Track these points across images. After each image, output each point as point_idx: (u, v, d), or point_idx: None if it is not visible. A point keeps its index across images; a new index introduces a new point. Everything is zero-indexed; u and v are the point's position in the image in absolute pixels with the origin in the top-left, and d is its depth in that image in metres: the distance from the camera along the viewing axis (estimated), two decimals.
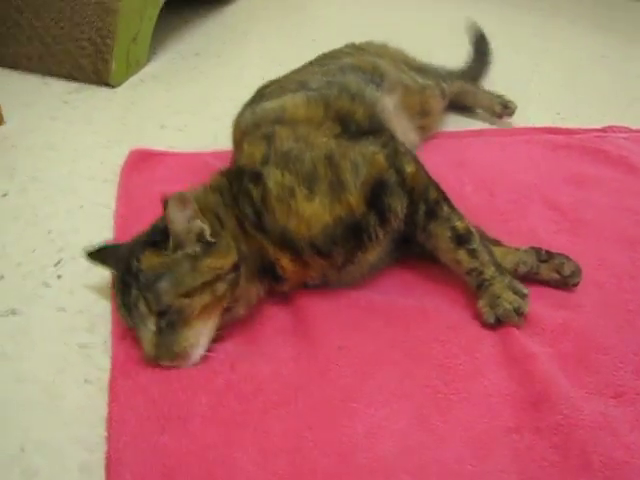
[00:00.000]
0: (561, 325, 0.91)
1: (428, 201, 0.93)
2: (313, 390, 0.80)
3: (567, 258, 0.97)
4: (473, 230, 0.94)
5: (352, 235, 0.89)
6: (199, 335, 0.81)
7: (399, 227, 0.93)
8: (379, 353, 0.86)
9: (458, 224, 0.93)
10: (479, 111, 1.46)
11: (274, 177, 0.88)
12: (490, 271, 0.90)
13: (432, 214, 0.93)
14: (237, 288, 0.84)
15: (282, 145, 0.92)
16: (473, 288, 0.92)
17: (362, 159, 0.91)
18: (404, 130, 1.15)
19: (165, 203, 0.79)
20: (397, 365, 0.84)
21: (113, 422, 0.76)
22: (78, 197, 1.17)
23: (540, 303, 0.94)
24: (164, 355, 0.80)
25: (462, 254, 0.92)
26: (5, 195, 1.18)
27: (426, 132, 1.30)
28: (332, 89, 1.04)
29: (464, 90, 1.40)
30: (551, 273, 0.96)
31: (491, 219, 1.11)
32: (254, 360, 0.84)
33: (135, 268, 0.80)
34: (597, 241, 1.08)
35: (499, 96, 1.41)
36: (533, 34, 1.94)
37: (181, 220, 0.80)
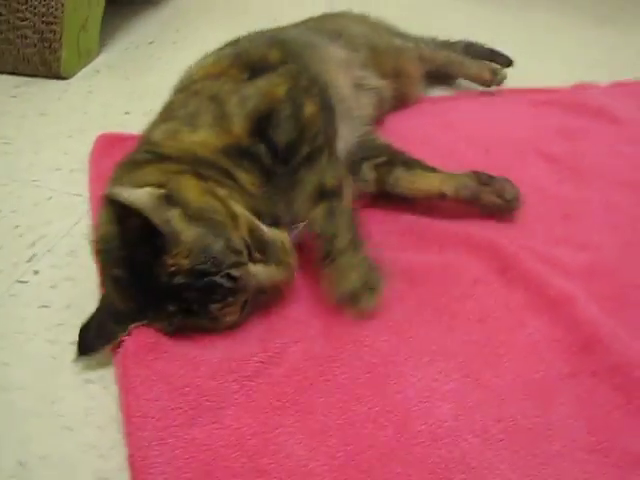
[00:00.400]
0: (588, 267, 0.88)
1: (313, 145, 0.85)
2: (350, 360, 0.72)
3: (507, 181, 0.94)
4: (342, 192, 0.85)
5: (250, 161, 0.81)
6: None
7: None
8: (410, 315, 0.79)
9: (329, 181, 0.83)
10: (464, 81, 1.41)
11: (159, 131, 0.84)
12: (340, 242, 0.79)
13: (310, 160, 0.84)
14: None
15: (169, 105, 0.91)
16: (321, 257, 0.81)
17: (255, 92, 0.85)
18: (360, 77, 1.11)
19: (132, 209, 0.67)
20: (432, 324, 0.78)
21: (132, 418, 0.65)
22: (45, 189, 1.05)
23: (560, 248, 0.91)
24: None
25: (320, 210, 0.81)
26: None
27: (405, 95, 1.25)
28: (255, 42, 1.01)
29: (450, 60, 1.35)
30: (493, 197, 0.93)
31: (490, 172, 1.06)
32: (283, 340, 0.75)
33: (183, 277, 0.69)
34: (600, 186, 1.06)
35: (487, 63, 1.36)
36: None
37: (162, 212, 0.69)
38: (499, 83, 1.34)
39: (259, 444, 0.64)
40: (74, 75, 1.44)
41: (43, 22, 1.37)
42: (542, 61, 1.54)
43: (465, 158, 1.11)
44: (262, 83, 0.87)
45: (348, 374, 0.71)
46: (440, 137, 1.17)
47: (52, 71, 1.41)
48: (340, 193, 0.84)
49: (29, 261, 0.90)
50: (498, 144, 1.16)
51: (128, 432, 0.65)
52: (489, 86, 1.35)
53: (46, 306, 0.83)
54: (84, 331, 0.72)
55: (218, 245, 0.69)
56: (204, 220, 0.70)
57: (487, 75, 1.33)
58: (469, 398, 0.68)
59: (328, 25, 1.20)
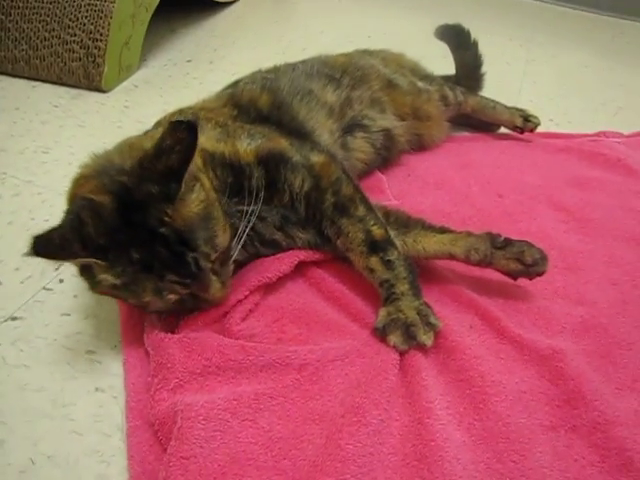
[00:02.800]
0: (580, 323, 0.90)
1: (339, 194, 0.90)
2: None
3: (528, 245, 0.89)
4: (393, 242, 0.89)
5: (230, 174, 0.86)
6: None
7: (295, 204, 0.90)
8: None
9: (374, 229, 0.88)
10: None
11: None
12: (403, 287, 0.84)
13: (344, 209, 0.89)
14: None
15: (166, 119, 0.97)
16: (382, 300, 0.85)
17: (261, 135, 0.91)
18: (361, 116, 1.13)
19: (192, 130, 0.72)
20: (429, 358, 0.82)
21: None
22: None
23: (557, 301, 0.94)
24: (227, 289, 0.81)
25: (375, 262, 0.86)
26: None
27: (425, 138, 1.28)
28: (250, 84, 1.07)
29: (482, 105, 1.37)
30: (509, 262, 0.88)
31: (501, 220, 1.10)
32: (322, 359, 0.80)
33: (169, 230, 0.72)
34: (606, 240, 1.08)
35: (519, 109, 1.37)
36: (519, 45, 1.97)
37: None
38: (531, 130, 1.34)
39: (284, 447, 0.70)
40: (114, 88, 1.52)
41: (90, 38, 1.46)
42: (571, 102, 1.58)
43: (477, 202, 1.15)
44: (265, 131, 0.93)
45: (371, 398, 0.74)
46: (455, 179, 1.21)
47: (94, 84, 1.49)
48: (391, 242, 0.88)
49: (57, 269, 0.97)
50: (511, 190, 1.19)
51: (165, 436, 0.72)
52: (521, 132, 1.35)
53: (67, 314, 0.89)
54: (41, 240, 0.72)
55: (208, 234, 0.76)
56: (209, 209, 0.77)
57: (519, 122, 1.34)
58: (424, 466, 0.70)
59: (339, 61, 1.21)
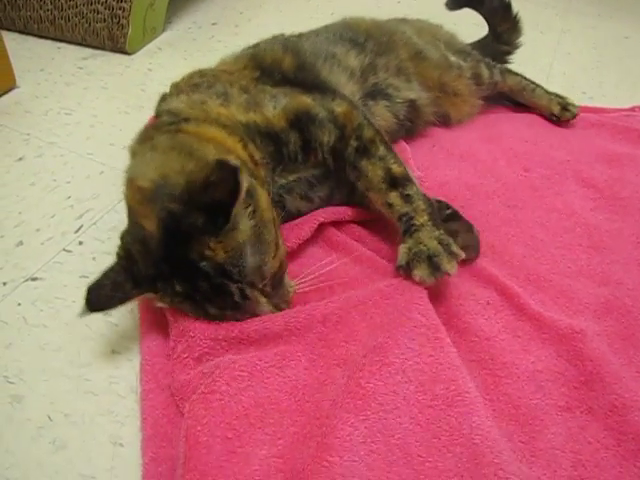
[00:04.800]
0: (604, 303, 0.88)
1: (361, 138, 0.90)
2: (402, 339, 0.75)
3: (469, 228, 0.90)
4: (412, 177, 0.89)
5: (271, 143, 0.85)
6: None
7: (326, 160, 0.90)
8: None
9: (394, 167, 0.89)
10: None
11: (177, 101, 0.88)
12: (423, 219, 0.84)
13: (365, 151, 0.90)
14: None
15: (182, 83, 0.94)
16: (400, 235, 0.84)
17: (284, 95, 0.90)
18: (385, 84, 1.10)
19: (234, 176, 0.65)
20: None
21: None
22: (98, 163, 1.13)
23: (581, 280, 0.92)
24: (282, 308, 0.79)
25: (394, 197, 0.86)
26: (21, 159, 1.13)
27: (451, 114, 1.23)
28: (273, 45, 1.04)
29: (522, 86, 1.31)
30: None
31: (526, 194, 1.08)
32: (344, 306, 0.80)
33: (209, 266, 0.69)
34: (635, 219, 1.04)
35: (560, 96, 1.30)
36: (555, 14, 1.89)
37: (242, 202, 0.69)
38: (568, 120, 1.28)
39: (307, 392, 0.71)
40: (138, 51, 1.51)
41: (115, 0, 1.44)
42: (606, 75, 1.52)
43: (503, 176, 1.12)
44: (287, 90, 0.91)
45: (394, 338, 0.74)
46: (481, 152, 1.18)
47: (118, 46, 1.48)
48: (410, 179, 0.89)
49: (76, 232, 0.98)
50: (538, 164, 1.16)
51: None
52: (557, 120, 1.29)
53: (85, 276, 0.90)
54: (96, 289, 0.72)
55: (255, 262, 0.72)
56: (260, 233, 0.72)
57: (556, 109, 1.28)
58: (453, 414, 0.69)
59: (362, 25, 1.17)
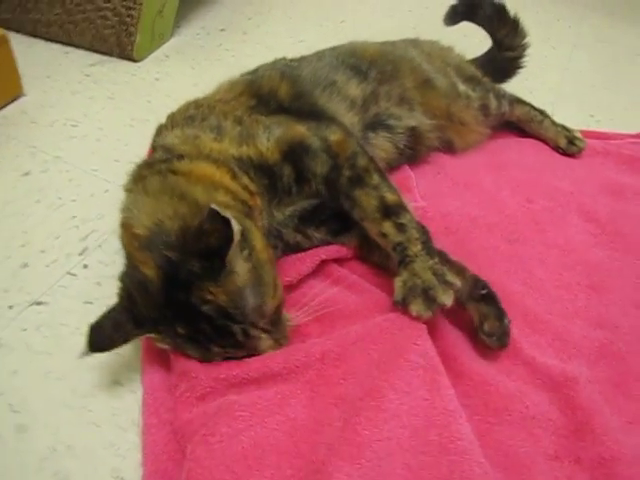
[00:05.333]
0: (598, 347, 0.89)
1: (355, 167, 0.90)
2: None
3: (500, 315, 0.85)
4: (405, 205, 0.89)
5: (264, 176, 0.86)
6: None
7: (320, 190, 0.91)
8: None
9: (388, 195, 0.89)
10: None
11: (171, 136, 0.88)
12: (416, 248, 0.84)
13: (358, 180, 0.89)
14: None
15: (177, 115, 0.94)
16: (396, 266, 0.85)
17: (277, 125, 0.90)
18: (386, 114, 1.09)
19: (227, 225, 0.67)
20: None
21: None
22: (103, 180, 1.13)
23: (577, 322, 0.93)
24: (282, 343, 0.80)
25: (388, 226, 0.86)
26: (27, 174, 1.14)
27: (458, 142, 1.23)
28: (270, 72, 1.03)
29: (530, 117, 1.30)
30: (475, 315, 0.87)
31: (528, 228, 1.08)
32: (341, 343, 0.81)
33: (211, 309, 0.71)
34: (636, 258, 1.05)
35: (567, 129, 1.30)
36: (567, 26, 1.88)
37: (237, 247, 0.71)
38: (573, 153, 1.28)
39: (305, 433, 0.73)
40: (145, 58, 1.51)
41: (123, 6, 1.43)
42: (616, 96, 1.52)
43: (506, 208, 1.12)
44: (281, 119, 0.91)
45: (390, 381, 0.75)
46: (486, 181, 1.18)
47: (125, 53, 1.47)
48: (404, 207, 0.89)
49: (81, 254, 0.99)
50: (541, 195, 1.16)
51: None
52: (564, 154, 1.28)
53: (90, 302, 0.91)
54: (97, 329, 0.74)
55: (255, 302, 0.73)
56: (258, 275, 0.74)
57: (562, 142, 1.28)
58: (444, 462, 0.71)
59: (368, 51, 1.16)
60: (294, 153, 0.89)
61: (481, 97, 1.22)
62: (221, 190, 0.79)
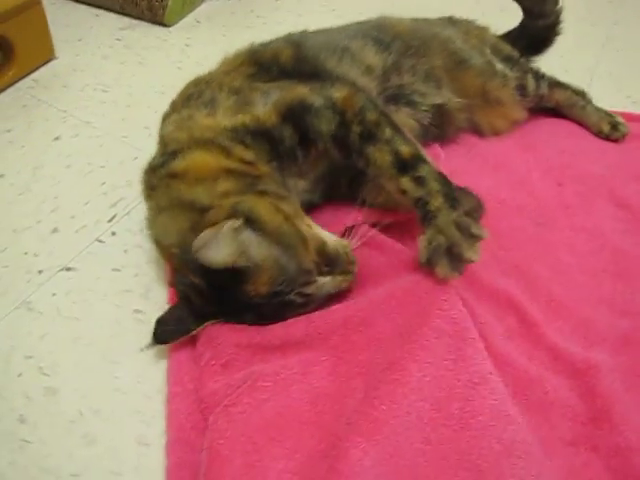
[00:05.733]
0: (622, 336, 0.88)
1: (364, 122, 0.85)
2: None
3: (466, 193, 0.87)
4: (423, 156, 0.85)
5: (263, 141, 0.84)
6: None
7: (329, 151, 0.87)
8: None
9: (403, 148, 0.84)
10: None
11: (168, 123, 0.89)
12: (438, 202, 0.80)
13: (370, 136, 0.84)
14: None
15: (181, 97, 0.94)
16: (420, 222, 0.82)
17: (276, 89, 0.87)
18: (409, 89, 1.05)
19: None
20: None
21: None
22: (132, 147, 1.14)
23: (601, 310, 0.92)
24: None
25: (406, 182, 0.82)
26: (57, 139, 1.15)
27: (493, 124, 1.20)
28: (276, 41, 1.01)
29: (571, 102, 1.26)
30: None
31: (557, 212, 1.07)
32: (364, 307, 0.81)
33: (260, 299, 0.75)
34: None
35: (609, 114, 1.25)
36: (608, 1, 1.81)
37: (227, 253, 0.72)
38: (617, 139, 1.23)
39: (327, 403, 0.74)
40: (176, 23, 1.49)
41: None
42: None
43: (535, 189, 1.10)
44: (282, 84, 0.89)
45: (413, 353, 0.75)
46: (516, 162, 1.16)
47: (157, 18, 1.46)
48: (421, 158, 0.84)
49: (109, 221, 1.00)
50: (572, 178, 1.14)
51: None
52: (607, 139, 1.24)
53: (117, 270, 0.93)
54: (161, 324, 0.79)
55: (292, 269, 0.75)
56: (280, 244, 0.75)
57: (606, 128, 1.24)
58: (464, 437, 0.71)
59: (397, 28, 1.12)
60: (294, 113, 0.85)
61: (519, 77, 1.18)
62: (220, 177, 0.79)
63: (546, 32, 1.35)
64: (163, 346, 0.84)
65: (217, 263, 0.70)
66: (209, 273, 0.73)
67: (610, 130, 1.24)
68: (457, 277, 0.77)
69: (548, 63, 1.34)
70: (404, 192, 0.82)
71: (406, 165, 0.83)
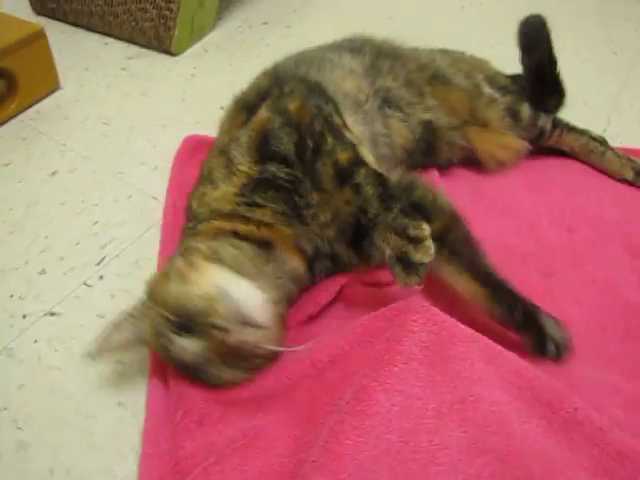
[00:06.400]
0: (630, 398, 0.82)
1: (314, 134, 0.81)
2: None
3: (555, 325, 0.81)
4: (361, 159, 0.80)
5: (268, 189, 0.81)
6: None
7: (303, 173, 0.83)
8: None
9: (341, 156, 0.79)
10: None
11: (195, 196, 0.87)
12: (373, 208, 0.75)
13: (317, 150, 0.80)
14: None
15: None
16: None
17: (244, 130, 0.85)
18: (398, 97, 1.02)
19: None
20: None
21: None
22: (127, 184, 1.12)
23: (607, 372, 0.86)
24: None
25: (348, 193, 0.78)
26: (54, 174, 1.14)
27: (485, 151, 1.12)
28: (256, 78, 1.01)
29: (588, 149, 1.19)
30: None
31: (566, 261, 1.01)
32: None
33: None
34: None
35: (631, 160, 1.17)
36: (634, 29, 1.73)
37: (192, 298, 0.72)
38: None
39: (304, 451, 0.69)
40: (184, 52, 1.48)
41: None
42: None
43: (544, 237, 1.04)
44: (252, 119, 0.87)
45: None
46: (525, 204, 1.10)
47: (163, 47, 1.46)
48: (358, 161, 0.80)
49: (98, 264, 0.98)
50: (584, 223, 1.08)
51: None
52: (632, 186, 1.16)
53: (102, 316, 0.90)
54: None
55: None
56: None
57: (629, 175, 1.16)
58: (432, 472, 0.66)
59: (365, 37, 1.12)
60: (264, 150, 0.82)
61: (510, 102, 1.12)
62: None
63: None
64: (141, 400, 0.81)
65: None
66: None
67: (634, 177, 1.16)
68: (418, 283, 0.72)
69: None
70: (349, 203, 0.79)
71: (344, 174, 0.79)
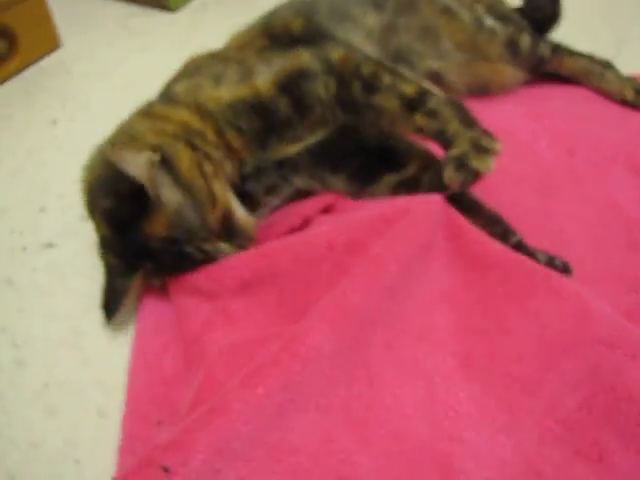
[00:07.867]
0: (627, 311, 0.78)
1: (362, 77, 0.85)
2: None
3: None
4: (428, 90, 0.84)
5: (258, 119, 0.83)
6: None
7: (328, 116, 0.86)
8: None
9: (406, 89, 0.83)
10: None
11: (181, 85, 0.89)
12: (453, 127, 0.79)
13: (371, 88, 0.84)
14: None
15: (196, 65, 0.94)
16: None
17: (280, 57, 0.86)
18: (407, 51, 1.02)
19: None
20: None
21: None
22: None
23: (607, 284, 0.83)
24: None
25: (419, 119, 0.82)
26: (54, 123, 1.17)
27: (485, 80, 1.12)
28: (286, 10, 1.01)
29: (587, 71, 1.16)
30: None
31: (564, 182, 0.98)
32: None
33: (158, 241, 0.76)
34: None
35: (632, 79, 1.14)
36: None
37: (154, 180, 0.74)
38: None
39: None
40: (182, 8, 1.49)
41: None
42: None
43: (543, 159, 1.02)
44: (286, 53, 0.88)
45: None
46: (521, 130, 1.08)
47: (161, 2, 1.47)
48: (427, 91, 0.84)
49: None
50: (585, 146, 1.05)
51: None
52: (632, 107, 1.13)
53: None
54: (105, 301, 0.81)
55: (193, 221, 0.76)
56: (188, 194, 0.76)
57: (629, 94, 1.13)
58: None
59: None
60: (291, 82, 0.84)
61: (510, 33, 1.10)
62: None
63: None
64: (132, 319, 0.83)
65: (131, 172, 0.70)
66: (112, 210, 0.76)
67: (635, 96, 1.12)
68: (460, 181, 0.76)
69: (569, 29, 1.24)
70: (421, 129, 0.83)
71: (414, 103, 0.83)
